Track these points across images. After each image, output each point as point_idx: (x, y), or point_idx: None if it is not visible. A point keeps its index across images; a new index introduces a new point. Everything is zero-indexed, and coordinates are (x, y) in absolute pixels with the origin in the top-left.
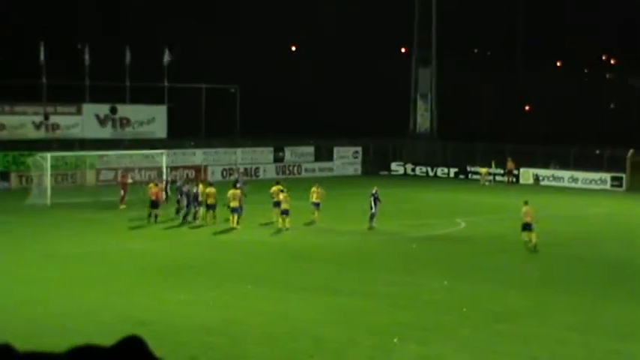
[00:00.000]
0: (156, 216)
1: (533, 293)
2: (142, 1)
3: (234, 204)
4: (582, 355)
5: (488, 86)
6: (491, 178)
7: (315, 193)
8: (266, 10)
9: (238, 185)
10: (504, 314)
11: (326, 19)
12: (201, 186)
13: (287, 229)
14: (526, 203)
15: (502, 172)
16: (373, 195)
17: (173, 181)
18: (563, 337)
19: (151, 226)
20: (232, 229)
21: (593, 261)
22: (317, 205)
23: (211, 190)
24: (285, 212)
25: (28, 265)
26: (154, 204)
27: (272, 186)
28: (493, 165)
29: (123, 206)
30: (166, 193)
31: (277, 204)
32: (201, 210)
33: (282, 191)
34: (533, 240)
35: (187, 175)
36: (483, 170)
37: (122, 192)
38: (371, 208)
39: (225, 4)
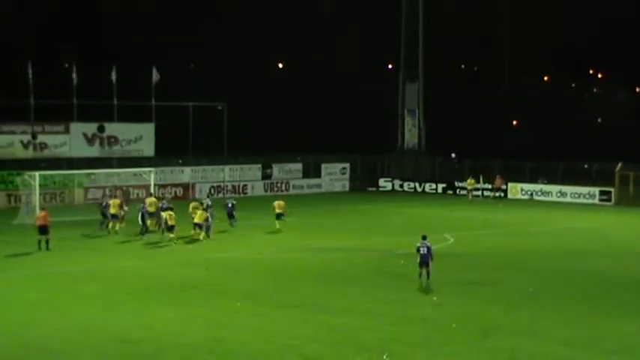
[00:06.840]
0: (47, 242)
1: (522, 308)
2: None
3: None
4: None
5: (475, 101)
6: (479, 193)
7: (277, 206)
8: (252, 27)
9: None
10: (493, 330)
11: (312, 36)
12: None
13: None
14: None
15: (490, 187)
16: (419, 248)
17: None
18: (552, 353)
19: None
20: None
21: (581, 275)
22: (280, 215)
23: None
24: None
25: (16, 284)
26: (43, 230)
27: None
28: (481, 180)
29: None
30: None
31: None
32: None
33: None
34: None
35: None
36: (470, 182)
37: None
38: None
39: (211, 22)
